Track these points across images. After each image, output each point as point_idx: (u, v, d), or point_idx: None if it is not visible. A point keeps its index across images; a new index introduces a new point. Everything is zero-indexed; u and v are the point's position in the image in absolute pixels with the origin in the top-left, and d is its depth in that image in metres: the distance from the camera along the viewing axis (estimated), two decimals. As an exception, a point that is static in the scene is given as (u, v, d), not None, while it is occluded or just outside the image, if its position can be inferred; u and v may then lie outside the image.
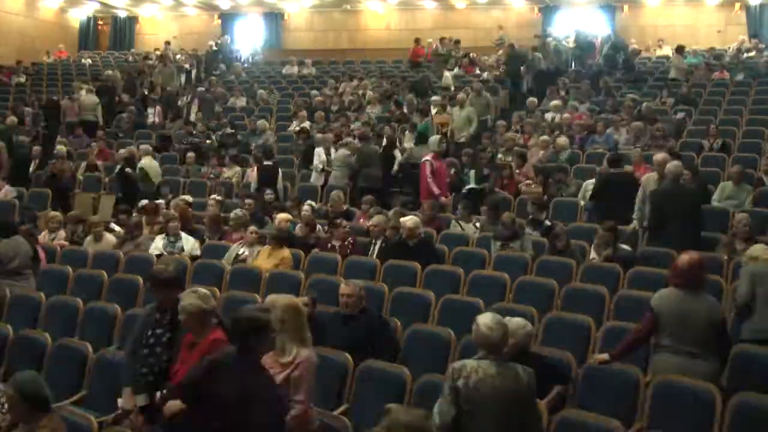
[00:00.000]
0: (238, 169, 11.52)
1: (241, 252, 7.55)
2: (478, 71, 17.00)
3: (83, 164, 12.17)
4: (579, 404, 4.64)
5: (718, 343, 4.71)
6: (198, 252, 7.94)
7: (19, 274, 6.97)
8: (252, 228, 7.86)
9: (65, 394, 5.09)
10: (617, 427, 4.09)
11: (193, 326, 4.29)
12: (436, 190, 9.18)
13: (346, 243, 7.68)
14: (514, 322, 4.67)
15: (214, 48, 20.75)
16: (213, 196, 9.78)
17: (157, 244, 7.95)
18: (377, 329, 5.40)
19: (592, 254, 7.21)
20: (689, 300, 4.71)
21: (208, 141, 13.25)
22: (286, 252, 7.35)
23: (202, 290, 4.40)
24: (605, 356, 4.79)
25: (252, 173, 10.92)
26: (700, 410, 4.31)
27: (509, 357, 4.11)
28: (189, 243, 7.96)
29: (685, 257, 4.88)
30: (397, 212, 8.19)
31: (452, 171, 10.33)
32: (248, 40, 22.88)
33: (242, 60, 21.15)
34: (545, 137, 11.40)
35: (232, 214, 8.48)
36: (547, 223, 8.09)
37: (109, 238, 8.35)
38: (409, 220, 7.52)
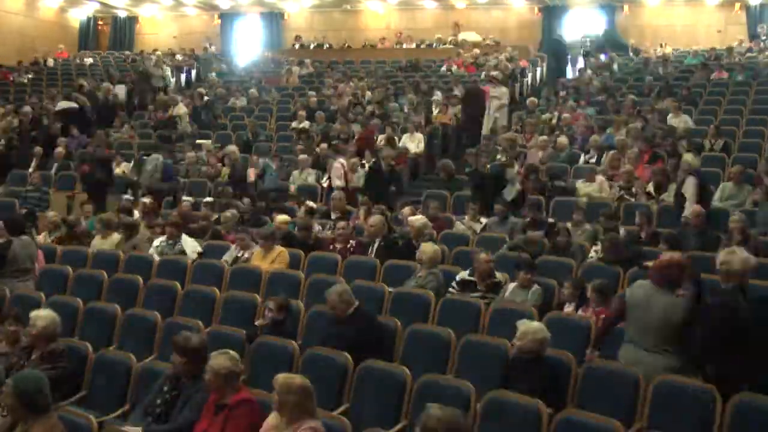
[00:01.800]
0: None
1: (240, 255, 7.52)
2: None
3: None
4: (579, 404, 4.64)
5: (680, 341, 4.66)
6: (197, 255, 7.81)
7: (24, 272, 6.99)
8: (240, 235, 7.67)
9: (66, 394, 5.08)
10: (617, 427, 4.09)
11: (219, 387, 4.27)
12: None
13: (348, 246, 7.67)
14: (531, 325, 4.77)
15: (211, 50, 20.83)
16: (208, 198, 9.75)
17: (155, 246, 7.90)
18: (365, 330, 5.40)
19: (591, 253, 7.22)
20: (657, 296, 4.72)
21: (207, 140, 13.27)
22: (279, 248, 7.34)
23: (231, 352, 4.40)
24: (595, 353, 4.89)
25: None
26: (700, 410, 4.30)
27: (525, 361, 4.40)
28: (188, 245, 7.86)
29: (667, 255, 5.00)
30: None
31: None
32: (248, 41, 22.95)
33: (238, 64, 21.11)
34: (544, 137, 11.41)
35: (222, 216, 8.48)
36: (550, 220, 8.11)
37: (116, 236, 8.31)
38: (417, 219, 7.52)
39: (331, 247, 7.68)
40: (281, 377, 4.03)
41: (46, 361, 5.00)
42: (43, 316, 5.19)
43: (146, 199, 9.46)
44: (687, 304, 4.68)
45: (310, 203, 9.31)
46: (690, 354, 4.64)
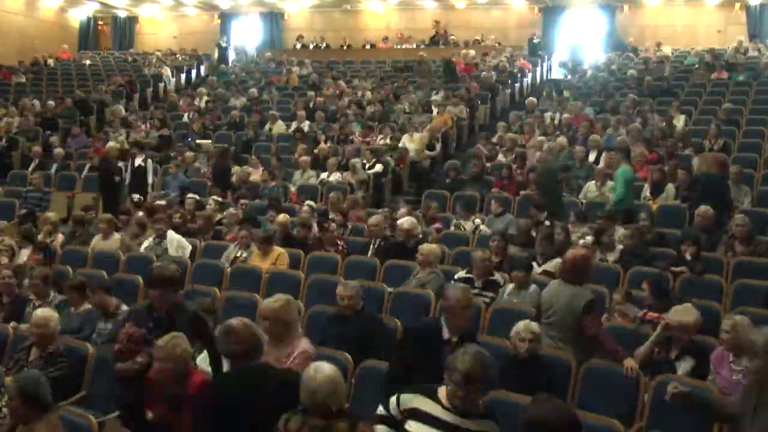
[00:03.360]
0: (237, 168, 11.51)
1: (238, 254, 7.53)
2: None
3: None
4: (579, 404, 4.63)
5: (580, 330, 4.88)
6: (187, 253, 7.81)
7: None
8: (243, 232, 7.66)
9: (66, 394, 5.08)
10: (617, 427, 4.09)
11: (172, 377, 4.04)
12: None
13: (340, 248, 7.66)
14: (531, 325, 4.78)
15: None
16: (213, 197, 9.77)
17: (145, 246, 7.95)
18: (371, 329, 5.37)
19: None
20: (563, 291, 4.98)
21: (207, 140, 13.26)
22: (278, 250, 7.35)
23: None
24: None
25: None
26: (700, 410, 4.30)
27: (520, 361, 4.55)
28: (173, 244, 7.86)
29: (571, 252, 5.26)
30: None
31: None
32: (248, 41, 22.97)
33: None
34: (541, 138, 11.40)
35: (225, 213, 8.48)
36: (546, 222, 8.10)
37: (117, 236, 8.32)
38: (405, 221, 7.51)
39: (322, 249, 7.65)
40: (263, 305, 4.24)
41: (46, 362, 5.00)
42: (44, 316, 5.19)
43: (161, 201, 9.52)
44: (589, 296, 4.93)
45: (310, 203, 9.30)
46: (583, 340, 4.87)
